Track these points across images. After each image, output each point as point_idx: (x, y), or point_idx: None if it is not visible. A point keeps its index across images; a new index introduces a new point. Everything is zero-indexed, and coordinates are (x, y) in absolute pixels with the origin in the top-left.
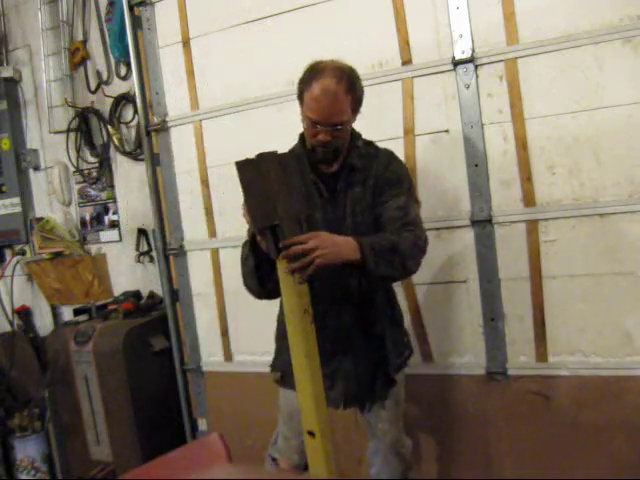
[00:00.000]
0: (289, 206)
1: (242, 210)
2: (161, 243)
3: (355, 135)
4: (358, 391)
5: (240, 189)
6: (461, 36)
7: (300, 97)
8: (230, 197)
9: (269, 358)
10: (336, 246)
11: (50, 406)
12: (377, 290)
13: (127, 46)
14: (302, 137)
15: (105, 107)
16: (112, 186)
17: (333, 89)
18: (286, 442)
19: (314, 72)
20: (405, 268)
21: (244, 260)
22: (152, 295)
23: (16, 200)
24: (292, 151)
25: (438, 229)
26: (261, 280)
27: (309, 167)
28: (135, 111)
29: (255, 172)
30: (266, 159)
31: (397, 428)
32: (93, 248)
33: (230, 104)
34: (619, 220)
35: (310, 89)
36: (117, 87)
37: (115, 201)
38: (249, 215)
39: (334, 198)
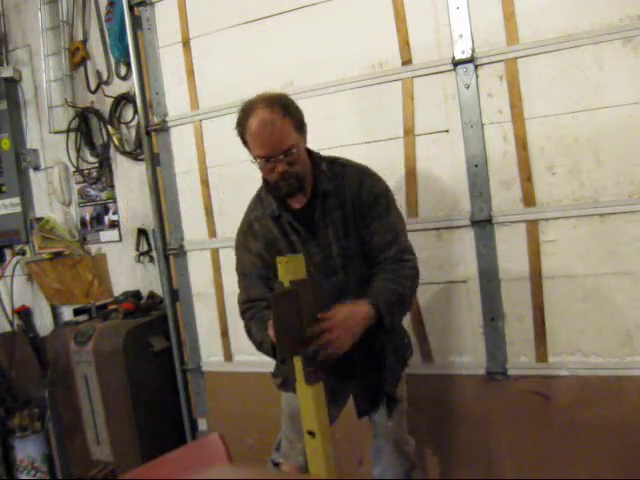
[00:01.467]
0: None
1: (269, 327)
2: (161, 243)
3: (316, 158)
4: (370, 405)
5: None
6: (461, 36)
7: (243, 140)
8: (230, 197)
9: (269, 358)
10: (350, 328)
11: (50, 406)
12: None
13: (127, 46)
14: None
15: (105, 107)
16: (112, 186)
17: (269, 118)
18: (291, 445)
19: (246, 111)
20: (409, 308)
21: (258, 343)
22: (152, 295)
23: (16, 200)
24: (259, 195)
25: (438, 229)
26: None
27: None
28: (135, 111)
29: (288, 304)
30: (300, 290)
31: (401, 426)
32: (93, 248)
33: (230, 104)
34: (619, 220)
35: (248, 127)
36: (117, 87)
37: (115, 201)
38: (276, 343)
39: (314, 230)
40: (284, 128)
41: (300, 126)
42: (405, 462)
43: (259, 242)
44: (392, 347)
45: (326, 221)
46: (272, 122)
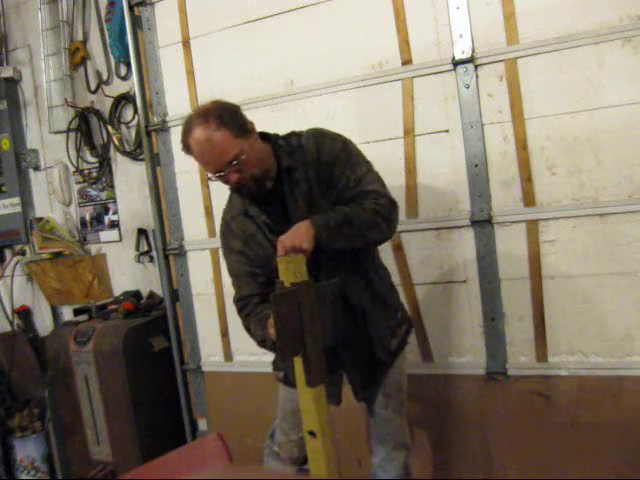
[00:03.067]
0: (316, 339)
1: (270, 326)
2: (161, 243)
3: (272, 138)
4: (363, 381)
5: None
6: (461, 36)
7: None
8: None
9: (269, 358)
10: (299, 231)
11: (50, 406)
12: (348, 265)
13: (127, 46)
14: None
15: (105, 107)
16: (112, 186)
17: (204, 135)
18: (285, 437)
19: (184, 131)
20: (366, 238)
21: (260, 341)
22: (152, 295)
23: (16, 200)
24: (230, 196)
25: (438, 229)
26: None
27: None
28: (135, 111)
29: (289, 305)
30: (301, 291)
31: (400, 416)
32: (93, 248)
33: None
34: (619, 220)
35: (190, 149)
36: (117, 87)
37: (115, 201)
38: (277, 344)
39: (285, 208)
40: (221, 141)
41: (240, 130)
42: (403, 450)
43: (238, 240)
44: (380, 317)
45: (296, 195)
46: (208, 139)
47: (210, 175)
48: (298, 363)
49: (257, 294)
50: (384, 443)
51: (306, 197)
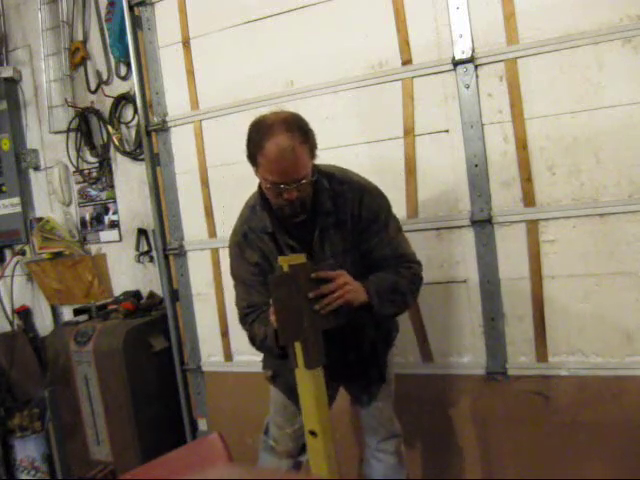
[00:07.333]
0: (314, 320)
1: (271, 314)
2: (161, 243)
3: (318, 172)
4: (361, 390)
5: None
6: (461, 36)
7: (252, 159)
8: (230, 197)
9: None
10: (356, 286)
11: (50, 406)
12: None
13: (127, 46)
14: (262, 188)
15: (105, 107)
16: (112, 186)
17: (289, 145)
18: (280, 431)
19: (262, 131)
20: (406, 304)
21: (262, 339)
22: (152, 295)
23: (16, 200)
24: (253, 207)
25: (438, 229)
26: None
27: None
28: (135, 111)
29: (287, 287)
30: (299, 271)
31: (389, 406)
32: (93, 248)
33: (230, 104)
34: (619, 220)
35: (264, 151)
36: (117, 87)
37: (115, 201)
38: (277, 329)
39: (311, 248)
40: (301, 157)
41: (314, 150)
42: (395, 440)
43: (256, 253)
44: (384, 346)
45: (323, 239)
46: (292, 150)
47: (265, 182)
48: (298, 348)
49: (267, 303)
50: (376, 433)
51: (334, 244)
